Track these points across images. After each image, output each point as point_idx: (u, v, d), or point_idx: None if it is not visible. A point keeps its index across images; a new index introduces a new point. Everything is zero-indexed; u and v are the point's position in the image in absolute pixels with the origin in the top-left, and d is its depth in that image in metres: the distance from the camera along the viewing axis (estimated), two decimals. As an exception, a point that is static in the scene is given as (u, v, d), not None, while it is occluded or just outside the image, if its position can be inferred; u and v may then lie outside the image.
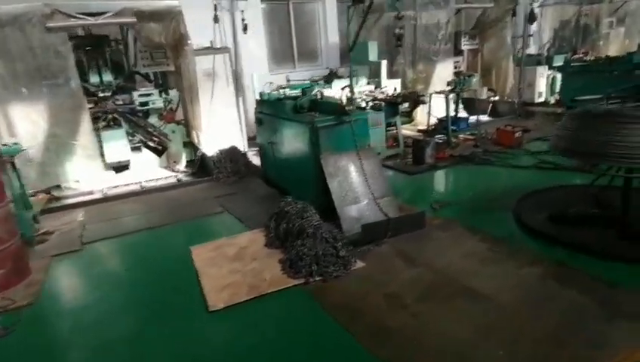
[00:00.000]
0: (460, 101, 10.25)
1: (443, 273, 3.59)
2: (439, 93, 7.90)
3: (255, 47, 10.65)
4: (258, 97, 5.94)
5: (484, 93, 10.72)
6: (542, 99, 11.03)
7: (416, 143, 6.82)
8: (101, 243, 4.83)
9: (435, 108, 8.46)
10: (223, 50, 8.11)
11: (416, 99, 7.06)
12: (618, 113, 3.76)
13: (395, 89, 8.10)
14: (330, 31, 11.99)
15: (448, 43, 9.97)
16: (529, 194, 5.05)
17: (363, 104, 7.44)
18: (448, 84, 7.96)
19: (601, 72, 8.73)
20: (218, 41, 9.98)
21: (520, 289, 3.31)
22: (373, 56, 7.90)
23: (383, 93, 7.47)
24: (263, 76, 10.11)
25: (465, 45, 10.11)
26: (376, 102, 7.28)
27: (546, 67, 11.03)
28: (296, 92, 5.45)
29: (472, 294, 3.26)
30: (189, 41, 6.66)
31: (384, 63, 7.87)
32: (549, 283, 3.33)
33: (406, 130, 9.25)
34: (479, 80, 10.69)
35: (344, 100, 7.69)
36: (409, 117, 8.26)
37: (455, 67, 10.28)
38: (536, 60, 11.67)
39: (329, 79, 8.72)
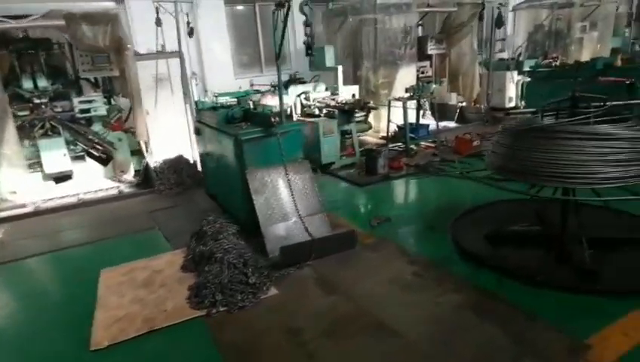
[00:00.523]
0: (424, 107, 10.06)
1: (359, 302, 3.30)
2: (397, 99, 7.64)
3: (219, 52, 10.39)
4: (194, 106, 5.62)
5: (452, 99, 10.49)
6: (512, 105, 10.87)
7: (368, 153, 6.55)
8: (9, 265, 4.47)
9: (398, 115, 8.21)
10: (172, 54, 7.78)
11: (362, 107, 6.79)
12: (549, 128, 3.50)
13: (354, 95, 7.82)
14: (298, 34, 11.74)
15: (413, 47, 9.74)
16: (471, 209, 4.79)
17: (316, 111, 7.18)
18: (406, 90, 7.70)
19: (566, 77, 8.54)
20: (184, 45, 9.72)
21: (435, 321, 3.03)
22: (330, 61, 7.63)
23: (334, 100, 7.19)
24: (224, 81, 9.84)
25: (431, 50, 9.84)
26: (329, 109, 7.01)
27: (516, 72, 10.87)
28: (234, 100, 5.15)
29: (382, 328, 2.97)
30: (128, 46, 6.33)
31: (340, 69, 7.59)
32: (466, 314, 3.05)
33: (370, 138, 9.00)
34: (447, 85, 10.48)
35: (299, 107, 7.48)
36: (366, 124, 7.99)
37: (422, 72, 10.03)
38: (506, 65, 11.52)
39: (288, 85, 8.43)
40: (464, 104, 10.08)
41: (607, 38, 12.89)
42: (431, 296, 3.31)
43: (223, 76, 10.28)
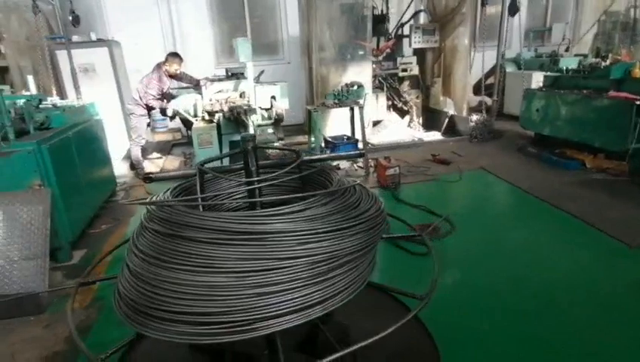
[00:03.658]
0: (411, 114, 8.28)
1: None
2: (317, 107, 6.14)
3: (197, 37, 9.84)
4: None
5: (447, 105, 8.43)
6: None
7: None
8: None
9: (339, 124, 6.72)
10: (97, 43, 7.29)
11: (236, 116, 5.47)
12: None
13: (273, 98, 6.51)
14: (291, 21, 10.58)
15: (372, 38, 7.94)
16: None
17: (206, 116, 6.07)
18: (326, 97, 6.14)
19: (572, 87, 6.12)
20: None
21: None
22: (244, 56, 6.35)
23: (232, 102, 5.97)
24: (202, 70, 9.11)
25: (416, 43, 7.90)
26: (218, 114, 5.86)
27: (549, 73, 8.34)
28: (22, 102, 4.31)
29: None
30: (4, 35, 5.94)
31: (250, 65, 6.26)
32: None
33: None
34: (441, 87, 8.44)
35: (199, 110, 6.42)
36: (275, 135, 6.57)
37: (405, 70, 8.18)
38: (539, 63, 8.98)
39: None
40: (453, 112, 7.98)
41: None
42: None
43: (200, 64, 9.65)
